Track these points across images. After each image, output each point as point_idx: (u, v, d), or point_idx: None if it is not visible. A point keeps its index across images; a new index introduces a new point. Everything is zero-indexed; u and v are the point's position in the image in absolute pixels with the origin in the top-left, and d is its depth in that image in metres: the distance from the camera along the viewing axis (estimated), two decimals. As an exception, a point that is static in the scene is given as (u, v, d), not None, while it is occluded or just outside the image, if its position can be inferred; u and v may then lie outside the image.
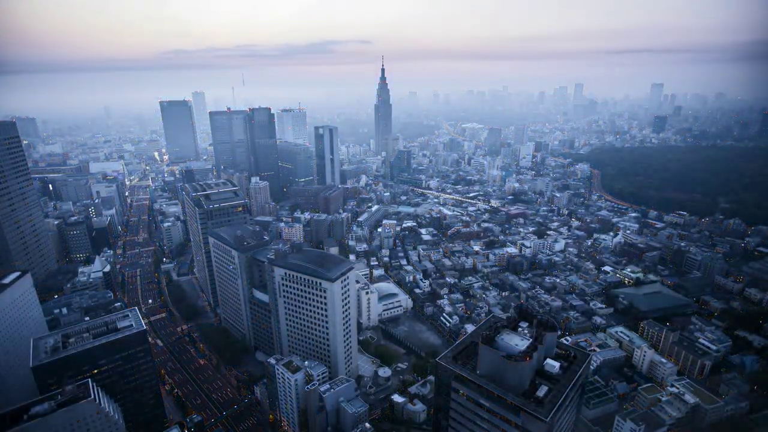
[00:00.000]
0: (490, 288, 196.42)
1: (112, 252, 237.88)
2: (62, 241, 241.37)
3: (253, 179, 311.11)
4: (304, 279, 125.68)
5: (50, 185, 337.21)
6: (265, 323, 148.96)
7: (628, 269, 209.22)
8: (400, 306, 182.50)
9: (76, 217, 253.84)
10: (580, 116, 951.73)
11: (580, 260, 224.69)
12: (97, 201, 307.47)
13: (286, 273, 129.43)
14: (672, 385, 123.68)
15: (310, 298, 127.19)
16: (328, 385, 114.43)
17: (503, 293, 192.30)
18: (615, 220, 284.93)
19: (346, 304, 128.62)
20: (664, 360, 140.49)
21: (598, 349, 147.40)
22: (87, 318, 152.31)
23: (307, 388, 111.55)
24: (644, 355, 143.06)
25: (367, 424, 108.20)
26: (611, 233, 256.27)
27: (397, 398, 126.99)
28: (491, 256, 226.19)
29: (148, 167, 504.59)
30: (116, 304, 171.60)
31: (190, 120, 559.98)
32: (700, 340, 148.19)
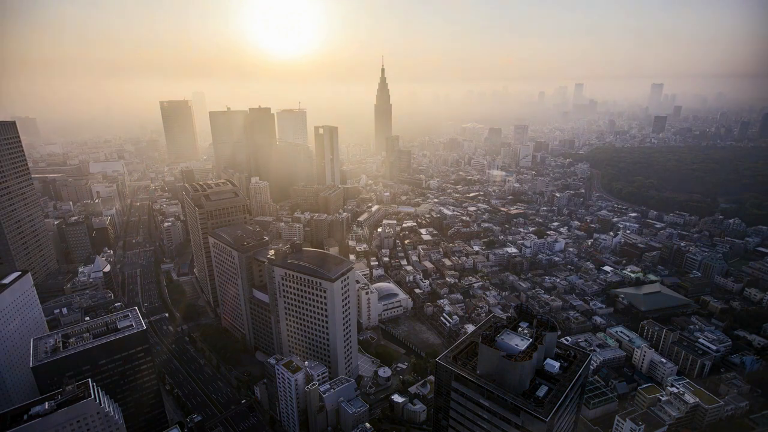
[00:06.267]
0: (490, 288, 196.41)
1: (112, 252, 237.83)
2: (62, 241, 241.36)
3: (253, 179, 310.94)
4: (304, 279, 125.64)
5: (50, 185, 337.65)
6: (265, 323, 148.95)
7: (628, 269, 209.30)
8: (400, 306, 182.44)
9: (76, 217, 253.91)
10: (580, 116, 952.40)
11: (580, 260, 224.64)
12: (97, 201, 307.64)
13: (286, 273, 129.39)
14: (672, 385, 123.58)
15: (310, 298, 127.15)
16: (328, 385, 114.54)
17: (503, 293, 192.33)
18: (615, 220, 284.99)
19: (346, 304, 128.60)
20: (664, 360, 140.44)
21: (598, 349, 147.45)
22: (87, 318, 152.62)
23: (307, 388, 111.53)
24: (644, 355, 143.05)
25: (367, 424, 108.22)
26: (611, 233, 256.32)
27: (397, 398, 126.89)
28: (491, 256, 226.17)
29: (148, 167, 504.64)
30: (116, 304, 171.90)
31: (190, 120, 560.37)
32: (700, 340, 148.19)
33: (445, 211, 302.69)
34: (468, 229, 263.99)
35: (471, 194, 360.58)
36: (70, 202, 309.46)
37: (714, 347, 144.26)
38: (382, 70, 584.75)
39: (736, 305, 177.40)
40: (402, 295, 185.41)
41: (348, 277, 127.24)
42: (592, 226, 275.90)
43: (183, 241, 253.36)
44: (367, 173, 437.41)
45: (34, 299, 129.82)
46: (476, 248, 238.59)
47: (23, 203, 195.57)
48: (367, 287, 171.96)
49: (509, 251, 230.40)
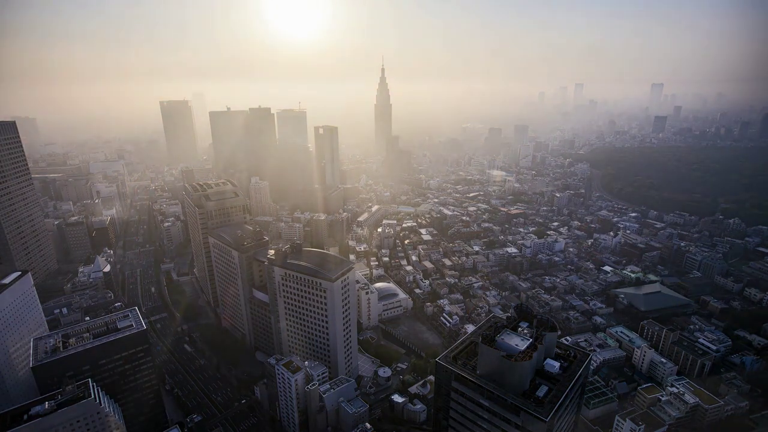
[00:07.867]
0: (490, 288, 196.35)
1: (112, 252, 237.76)
2: (62, 241, 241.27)
3: (253, 179, 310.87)
4: (304, 279, 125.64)
5: (50, 185, 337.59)
6: (265, 323, 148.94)
7: (628, 269, 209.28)
8: (400, 306, 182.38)
9: (76, 217, 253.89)
10: (580, 116, 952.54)
11: (580, 260, 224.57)
12: (97, 201, 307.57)
13: (286, 273, 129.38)
14: (672, 385, 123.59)
15: (310, 298, 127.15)
16: (328, 385, 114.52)
17: (503, 293, 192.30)
18: (615, 220, 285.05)
19: (346, 304, 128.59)
20: (664, 360, 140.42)
21: (598, 349, 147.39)
22: (87, 318, 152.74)
23: (307, 388, 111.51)
24: (644, 355, 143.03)
25: (367, 424, 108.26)
26: (611, 233, 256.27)
27: (397, 398, 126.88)
28: (491, 256, 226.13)
29: (148, 167, 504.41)
30: (116, 304, 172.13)
31: (190, 120, 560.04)
32: (700, 340, 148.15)
33: (445, 211, 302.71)
34: (468, 229, 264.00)
35: (471, 194, 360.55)
36: (70, 202, 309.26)
37: (714, 347, 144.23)
38: (382, 69, 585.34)
39: (736, 305, 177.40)
40: (402, 295, 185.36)
41: (348, 277, 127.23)
42: (592, 226, 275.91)
43: (183, 241, 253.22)
44: (367, 173, 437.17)
45: (34, 299, 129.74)
46: (476, 248, 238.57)
47: (23, 203, 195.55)
48: (367, 287, 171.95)
49: (509, 251, 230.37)
